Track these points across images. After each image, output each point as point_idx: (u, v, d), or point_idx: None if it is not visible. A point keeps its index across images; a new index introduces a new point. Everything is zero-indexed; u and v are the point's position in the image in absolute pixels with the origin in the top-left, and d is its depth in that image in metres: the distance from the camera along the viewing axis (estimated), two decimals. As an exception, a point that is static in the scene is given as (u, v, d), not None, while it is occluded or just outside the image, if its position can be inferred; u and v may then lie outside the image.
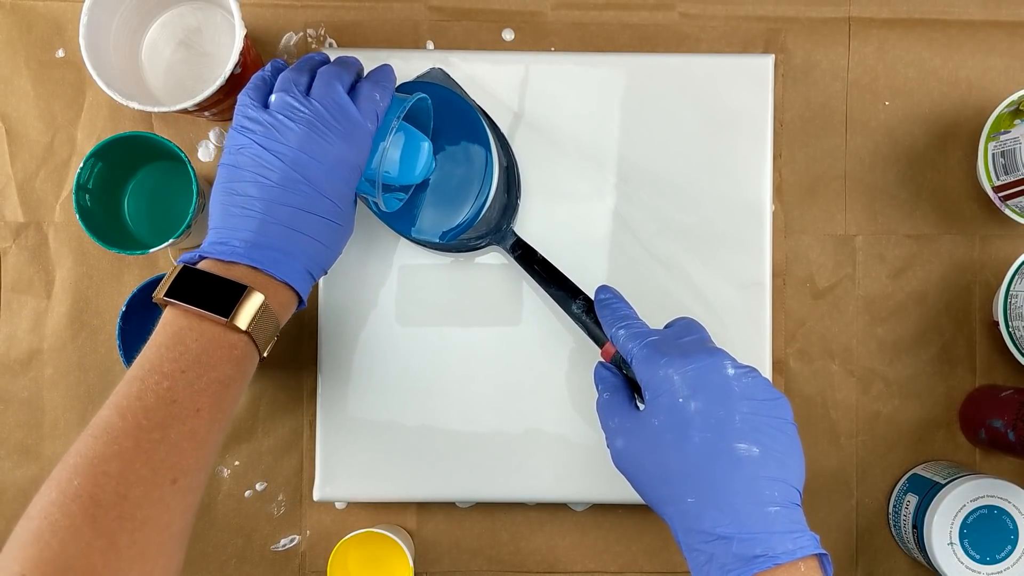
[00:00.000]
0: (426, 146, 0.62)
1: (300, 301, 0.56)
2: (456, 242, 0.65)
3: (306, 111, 0.54)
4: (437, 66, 0.68)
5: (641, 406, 0.54)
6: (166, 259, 0.71)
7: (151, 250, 0.63)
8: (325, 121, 0.54)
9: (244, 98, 0.56)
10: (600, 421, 0.56)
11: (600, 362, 0.59)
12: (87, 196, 0.64)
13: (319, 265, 0.56)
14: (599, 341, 0.60)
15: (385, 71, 0.59)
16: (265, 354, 0.54)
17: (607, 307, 0.59)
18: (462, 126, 0.64)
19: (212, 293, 0.51)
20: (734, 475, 0.49)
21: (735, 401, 0.50)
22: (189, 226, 0.63)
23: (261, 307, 0.52)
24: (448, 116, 0.64)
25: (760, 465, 0.49)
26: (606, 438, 0.55)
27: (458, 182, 0.64)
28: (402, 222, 0.65)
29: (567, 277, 0.64)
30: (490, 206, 0.65)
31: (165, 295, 0.52)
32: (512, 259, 0.66)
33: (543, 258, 0.65)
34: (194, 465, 0.49)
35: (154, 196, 0.69)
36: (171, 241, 0.63)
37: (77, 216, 0.62)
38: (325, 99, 0.55)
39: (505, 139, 0.67)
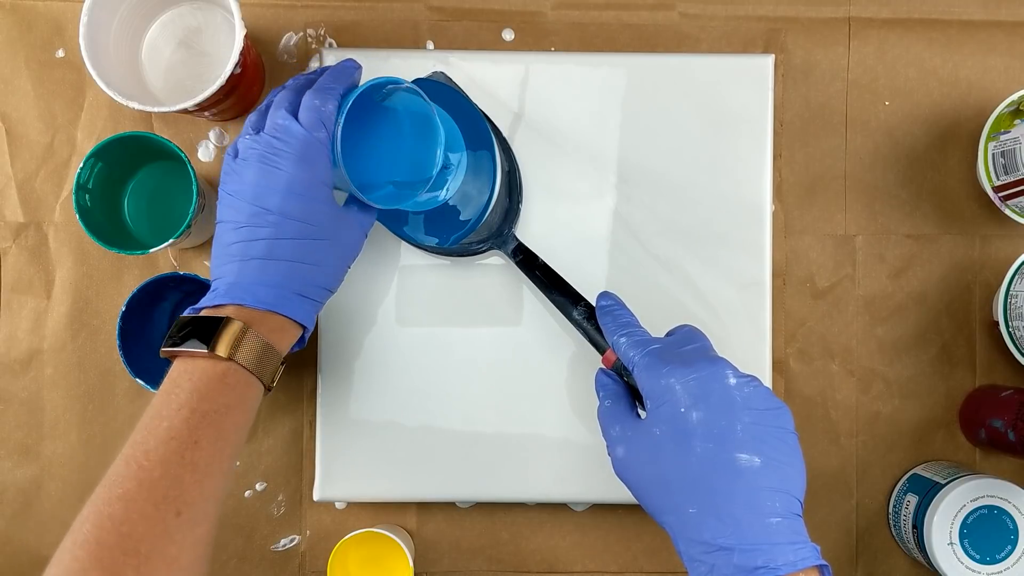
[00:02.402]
0: (438, 151, 0.60)
1: (301, 326, 0.57)
2: (458, 246, 0.65)
3: (257, 146, 0.55)
4: (439, 68, 0.68)
5: (642, 414, 0.54)
6: (166, 259, 0.71)
7: (151, 250, 0.63)
8: (273, 148, 0.55)
9: (229, 149, 0.58)
10: (601, 429, 0.56)
11: (601, 369, 0.58)
12: (87, 196, 0.64)
13: (313, 284, 0.56)
14: (600, 348, 0.60)
15: (337, 70, 0.59)
16: (273, 383, 0.55)
17: (608, 314, 0.59)
18: (467, 129, 0.64)
19: (196, 332, 0.53)
20: (735, 486, 0.49)
21: (737, 411, 0.50)
22: (189, 226, 0.63)
23: (240, 332, 0.53)
24: (454, 118, 0.64)
25: (762, 476, 0.49)
26: (607, 446, 0.55)
27: (463, 187, 0.64)
28: (402, 225, 0.65)
29: (568, 283, 0.63)
30: (492, 210, 0.65)
31: (164, 347, 0.54)
32: (513, 264, 0.66)
33: (544, 263, 0.65)
34: (199, 496, 0.50)
35: (154, 196, 0.69)
36: (171, 241, 0.63)
37: (77, 216, 0.62)
38: (271, 127, 0.56)
39: (507, 143, 0.67)
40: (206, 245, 0.71)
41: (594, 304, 0.61)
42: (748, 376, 0.52)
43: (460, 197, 0.64)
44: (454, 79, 0.68)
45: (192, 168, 0.63)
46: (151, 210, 0.69)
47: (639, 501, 0.53)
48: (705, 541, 0.48)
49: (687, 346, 0.55)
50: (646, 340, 0.56)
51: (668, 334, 0.58)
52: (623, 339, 0.56)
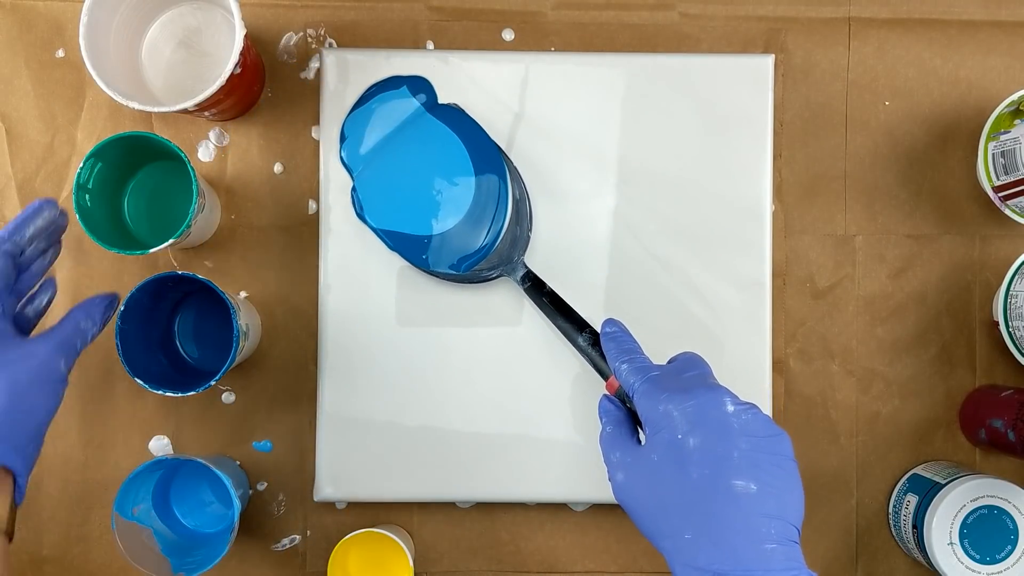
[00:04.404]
0: None
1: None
2: (469, 273, 0.66)
3: None
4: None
5: (643, 440, 0.54)
6: (166, 259, 0.71)
7: (151, 250, 0.63)
8: None
9: None
10: (602, 454, 0.55)
11: (605, 395, 0.58)
12: (87, 196, 0.64)
13: None
14: (604, 374, 0.60)
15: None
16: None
17: (612, 340, 0.59)
18: (480, 159, 0.66)
19: None
20: (731, 511, 0.49)
21: (734, 437, 0.50)
22: (189, 226, 0.63)
23: None
24: (469, 147, 0.66)
25: (758, 502, 0.49)
26: (607, 471, 0.55)
27: (475, 213, 0.66)
28: (416, 252, 0.66)
29: (574, 310, 0.64)
30: (502, 238, 0.66)
31: None
32: (522, 290, 0.66)
33: (552, 290, 0.65)
34: None
35: (154, 196, 0.69)
36: (171, 241, 0.63)
37: (77, 216, 0.62)
38: None
39: (517, 172, 0.68)
40: (206, 245, 0.71)
41: (599, 331, 0.61)
42: (747, 404, 0.52)
43: (472, 225, 0.66)
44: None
45: (192, 168, 0.63)
46: (151, 210, 0.69)
47: (638, 526, 0.53)
48: (700, 567, 0.48)
49: (687, 373, 0.55)
50: (647, 367, 0.56)
51: (670, 361, 0.58)
52: (625, 365, 0.56)
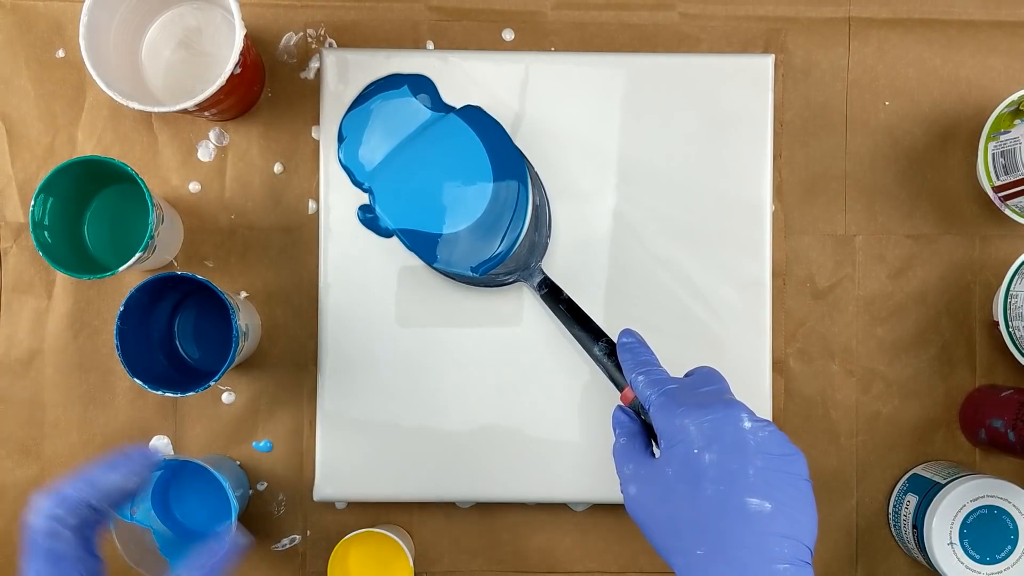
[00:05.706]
0: None
1: None
2: (485, 277, 0.66)
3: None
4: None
5: (657, 453, 0.54)
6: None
7: (120, 270, 0.61)
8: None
9: None
10: (615, 466, 0.55)
11: (619, 406, 0.58)
12: (45, 232, 0.62)
13: None
14: (619, 385, 0.60)
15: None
16: None
17: (629, 351, 0.59)
18: (501, 162, 0.66)
19: None
20: (744, 530, 0.48)
21: (750, 455, 0.50)
22: (153, 236, 0.62)
23: None
24: (491, 148, 0.66)
25: (771, 521, 0.49)
26: (620, 483, 0.55)
27: (494, 216, 0.65)
28: (432, 252, 0.66)
29: (591, 318, 0.64)
30: (521, 243, 0.66)
31: None
32: (538, 297, 0.66)
33: (568, 297, 0.65)
34: None
35: (114, 221, 0.68)
36: (136, 257, 0.61)
37: (41, 254, 0.61)
38: None
39: (538, 177, 0.68)
40: (206, 245, 0.71)
41: (615, 340, 0.61)
42: (763, 421, 0.52)
43: (490, 229, 0.66)
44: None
45: (142, 180, 0.61)
46: (112, 235, 0.68)
47: (649, 540, 0.53)
48: None
49: (704, 388, 0.55)
50: (663, 379, 0.56)
51: (687, 374, 0.57)
52: (641, 377, 0.56)
